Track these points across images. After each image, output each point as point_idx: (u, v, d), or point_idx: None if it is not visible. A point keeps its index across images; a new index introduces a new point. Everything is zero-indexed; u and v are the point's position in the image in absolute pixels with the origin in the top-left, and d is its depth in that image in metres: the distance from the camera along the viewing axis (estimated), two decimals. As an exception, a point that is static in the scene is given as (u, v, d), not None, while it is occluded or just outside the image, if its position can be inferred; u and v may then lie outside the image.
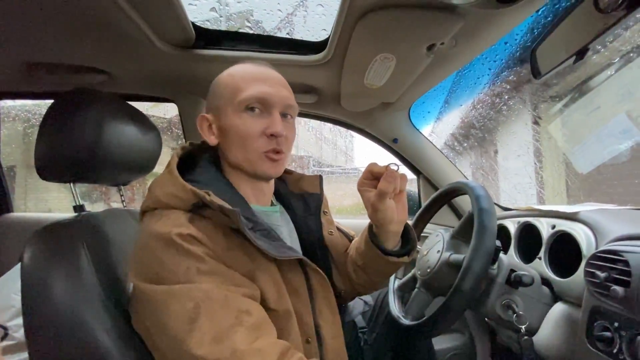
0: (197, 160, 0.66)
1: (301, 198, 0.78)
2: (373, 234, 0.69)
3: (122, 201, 1.02)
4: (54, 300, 0.61)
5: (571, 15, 0.53)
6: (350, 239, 0.83)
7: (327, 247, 0.76)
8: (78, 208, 0.82)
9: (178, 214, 0.54)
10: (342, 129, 1.42)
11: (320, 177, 0.80)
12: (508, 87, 1.40)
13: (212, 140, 0.63)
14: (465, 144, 1.86)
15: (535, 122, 1.55)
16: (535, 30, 0.87)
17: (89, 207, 0.84)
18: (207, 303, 0.47)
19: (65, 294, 0.62)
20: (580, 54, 0.53)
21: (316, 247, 0.75)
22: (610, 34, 0.48)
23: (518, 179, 1.73)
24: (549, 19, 0.77)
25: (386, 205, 0.60)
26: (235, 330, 0.47)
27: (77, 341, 0.59)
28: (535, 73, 0.66)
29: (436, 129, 1.77)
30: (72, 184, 0.81)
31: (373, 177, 0.63)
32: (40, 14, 0.76)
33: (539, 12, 0.68)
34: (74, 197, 0.82)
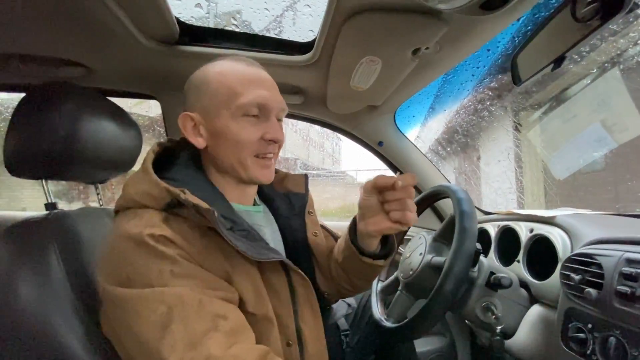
0: (175, 158, 0.64)
1: (285, 198, 0.77)
2: (354, 233, 0.68)
3: (99, 200, 0.99)
4: (19, 303, 0.58)
5: (550, 24, 0.55)
6: (336, 239, 0.82)
7: (310, 249, 0.74)
8: (50, 206, 0.78)
9: (152, 214, 0.51)
10: (330, 132, 1.42)
11: (306, 176, 0.79)
12: (490, 94, 1.44)
13: (199, 142, 0.60)
14: (449, 149, 1.89)
15: (516, 129, 1.60)
16: (517, 39, 0.89)
17: (67, 207, 0.80)
18: (180, 307, 0.45)
19: (32, 297, 0.59)
20: (558, 62, 0.54)
21: (299, 248, 0.73)
22: (587, 43, 0.50)
23: (499, 184, 1.78)
24: (530, 27, 0.80)
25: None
26: (210, 335, 0.45)
27: (44, 347, 0.56)
28: (516, 80, 0.67)
29: (421, 134, 1.80)
30: (43, 181, 0.77)
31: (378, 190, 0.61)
32: (13, 3, 0.73)
33: (520, 21, 0.70)
34: (45, 194, 0.78)
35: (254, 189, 0.69)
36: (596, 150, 1.13)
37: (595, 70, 1.09)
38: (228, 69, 0.60)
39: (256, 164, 0.60)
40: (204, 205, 0.49)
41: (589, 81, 1.12)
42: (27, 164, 0.71)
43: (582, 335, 0.62)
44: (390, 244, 0.71)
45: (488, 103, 1.48)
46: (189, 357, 0.43)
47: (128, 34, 0.83)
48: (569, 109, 1.23)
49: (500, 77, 1.30)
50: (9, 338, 0.57)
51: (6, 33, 0.85)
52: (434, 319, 0.72)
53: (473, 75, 1.25)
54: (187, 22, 0.91)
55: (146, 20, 0.81)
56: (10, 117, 0.71)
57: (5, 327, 0.57)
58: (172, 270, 0.47)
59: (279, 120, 0.63)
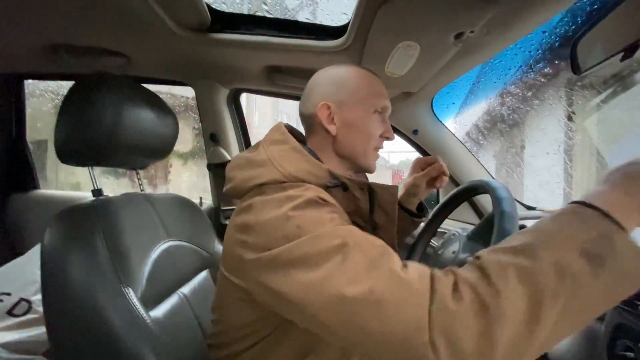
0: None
1: None
2: (400, 204, 0.86)
3: (140, 185, 1.04)
4: (70, 281, 0.63)
5: (622, 5, 0.47)
6: None
7: None
8: (96, 192, 0.84)
9: (315, 187, 0.57)
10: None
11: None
12: (542, 79, 1.30)
13: (332, 129, 0.67)
14: (491, 138, 1.76)
15: (569, 118, 1.44)
16: (579, 19, 0.78)
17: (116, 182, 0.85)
18: (353, 238, 0.46)
19: (81, 276, 0.64)
20: (630, 50, 0.47)
21: None
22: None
23: (545, 177, 1.63)
24: (596, 6, 0.69)
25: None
26: (385, 257, 0.45)
27: (90, 321, 0.62)
28: (575, 68, 0.59)
29: (461, 121, 1.69)
30: (90, 168, 0.83)
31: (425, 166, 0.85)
32: None
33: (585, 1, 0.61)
34: (92, 180, 0.84)
35: None
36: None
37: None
38: (369, 76, 0.70)
39: (373, 155, 0.70)
40: (379, 184, 0.63)
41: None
42: (75, 153, 0.76)
43: (630, 354, 0.57)
44: (424, 207, 0.92)
45: (539, 89, 1.34)
46: (374, 276, 0.42)
47: (162, 23, 0.84)
48: (636, 96, 1.08)
49: (556, 61, 1.16)
50: (61, 313, 0.63)
51: (55, 26, 0.90)
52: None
53: (524, 59, 1.12)
54: (219, 9, 0.90)
55: (178, 9, 0.82)
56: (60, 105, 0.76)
57: (57, 302, 0.64)
58: (341, 217, 0.52)
59: None
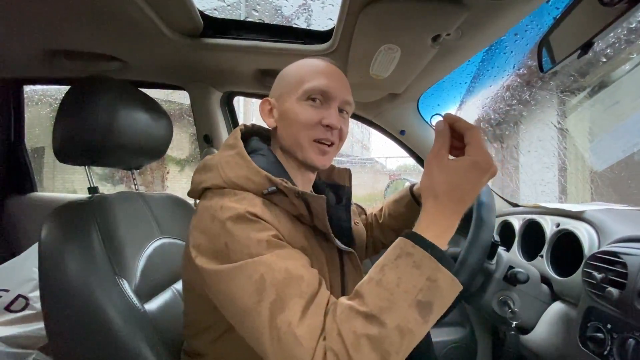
0: (248, 141, 0.69)
1: (332, 189, 0.81)
2: (415, 199, 0.82)
3: (135, 184, 1.07)
4: (67, 273, 0.66)
5: (577, 9, 0.51)
6: (366, 213, 0.93)
7: (353, 237, 0.79)
8: (92, 190, 0.86)
9: (252, 197, 0.56)
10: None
11: (349, 170, 0.83)
12: (520, 80, 1.34)
13: (270, 122, 0.66)
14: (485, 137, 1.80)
15: (560, 116, 1.47)
16: (547, 23, 0.82)
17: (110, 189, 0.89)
18: (271, 274, 0.48)
19: (77, 269, 0.67)
20: (585, 48, 0.51)
21: (345, 236, 0.76)
22: (615, 29, 0.46)
23: (538, 176, 1.65)
24: (559, 9, 0.74)
25: None
26: (294, 301, 0.46)
27: (87, 312, 0.65)
28: (541, 67, 0.64)
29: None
30: (87, 167, 0.86)
31: None
32: (59, 2, 0.79)
33: (550, 4, 0.65)
34: (88, 179, 0.87)
35: (313, 177, 0.72)
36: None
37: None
38: (305, 62, 0.67)
39: (313, 147, 0.63)
40: (310, 193, 0.55)
41: (633, 65, 1.00)
42: (72, 152, 0.79)
43: (600, 335, 0.60)
44: None
45: (523, 90, 1.38)
46: (276, 318, 0.45)
47: (156, 28, 0.87)
48: (611, 95, 1.12)
49: (529, 63, 1.21)
50: (58, 302, 0.66)
51: (52, 31, 0.93)
52: (446, 310, 0.72)
53: (507, 60, 1.17)
54: (211, 15, 0.94)
55: (172, 15, 0.85)
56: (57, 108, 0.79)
57: (55, 293, 0.66)
58: (268, 241, 0.51)
59: (342, 112, 0.67)
